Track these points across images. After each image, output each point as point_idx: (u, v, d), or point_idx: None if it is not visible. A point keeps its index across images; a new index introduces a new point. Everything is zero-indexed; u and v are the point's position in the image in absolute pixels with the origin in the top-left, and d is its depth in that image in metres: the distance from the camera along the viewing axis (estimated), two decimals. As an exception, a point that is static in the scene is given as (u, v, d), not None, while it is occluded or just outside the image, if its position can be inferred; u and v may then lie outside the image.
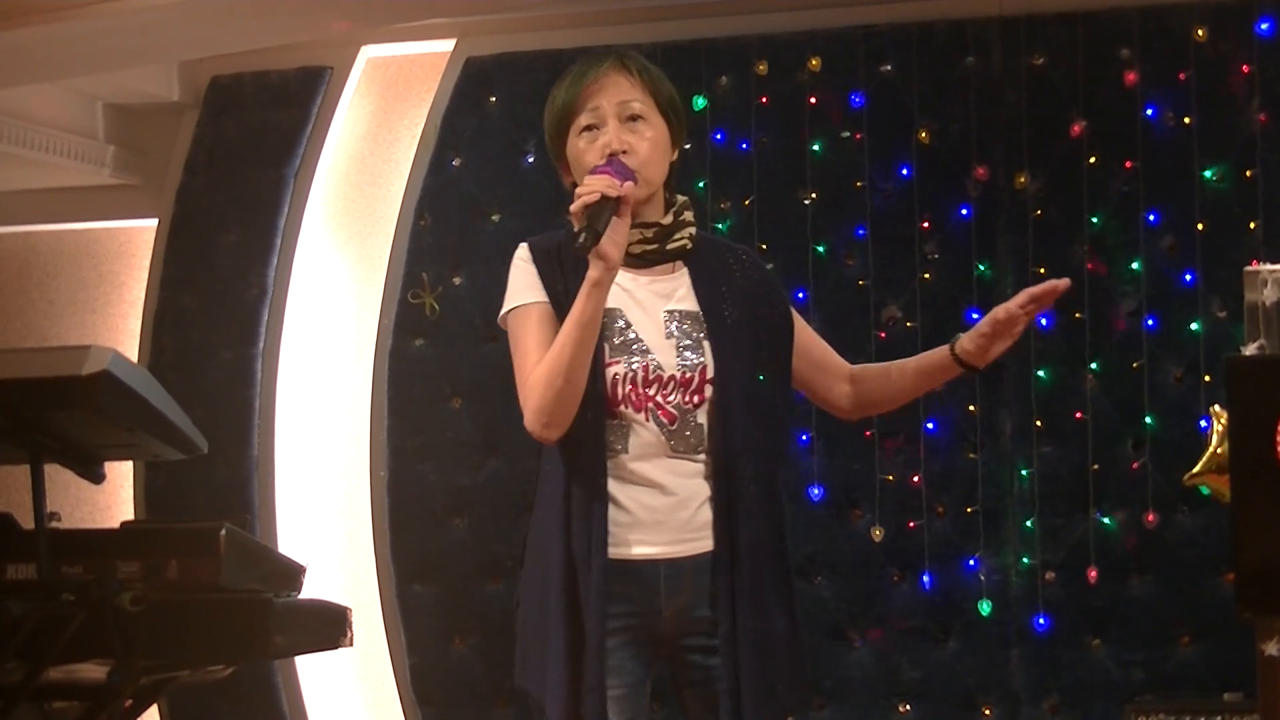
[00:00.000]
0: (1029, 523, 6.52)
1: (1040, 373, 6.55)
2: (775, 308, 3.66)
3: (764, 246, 6.78)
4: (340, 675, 7.28)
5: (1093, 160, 6.58)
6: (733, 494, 3.47)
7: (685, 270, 3.60)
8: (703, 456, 3.50)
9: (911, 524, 6.61)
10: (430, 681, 7.09)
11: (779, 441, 3.69)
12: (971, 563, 6.54)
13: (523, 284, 3.54)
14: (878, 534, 6.64)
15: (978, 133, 6.67)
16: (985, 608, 6.51)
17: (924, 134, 6.71)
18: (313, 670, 7.21)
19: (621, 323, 3.51)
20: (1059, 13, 6.64)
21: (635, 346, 3.50)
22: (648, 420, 3.47)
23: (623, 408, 3.47)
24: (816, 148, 6.81)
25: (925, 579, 6.59)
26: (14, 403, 4.52)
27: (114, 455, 5.09)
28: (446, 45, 7.19)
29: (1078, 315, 6.52)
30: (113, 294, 8.13)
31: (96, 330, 8.11)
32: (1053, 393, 6.56)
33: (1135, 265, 6.52)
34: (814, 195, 6.80)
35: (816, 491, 6.70)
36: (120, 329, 8.02)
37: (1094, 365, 6.53)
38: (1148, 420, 6.46)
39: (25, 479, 4.71)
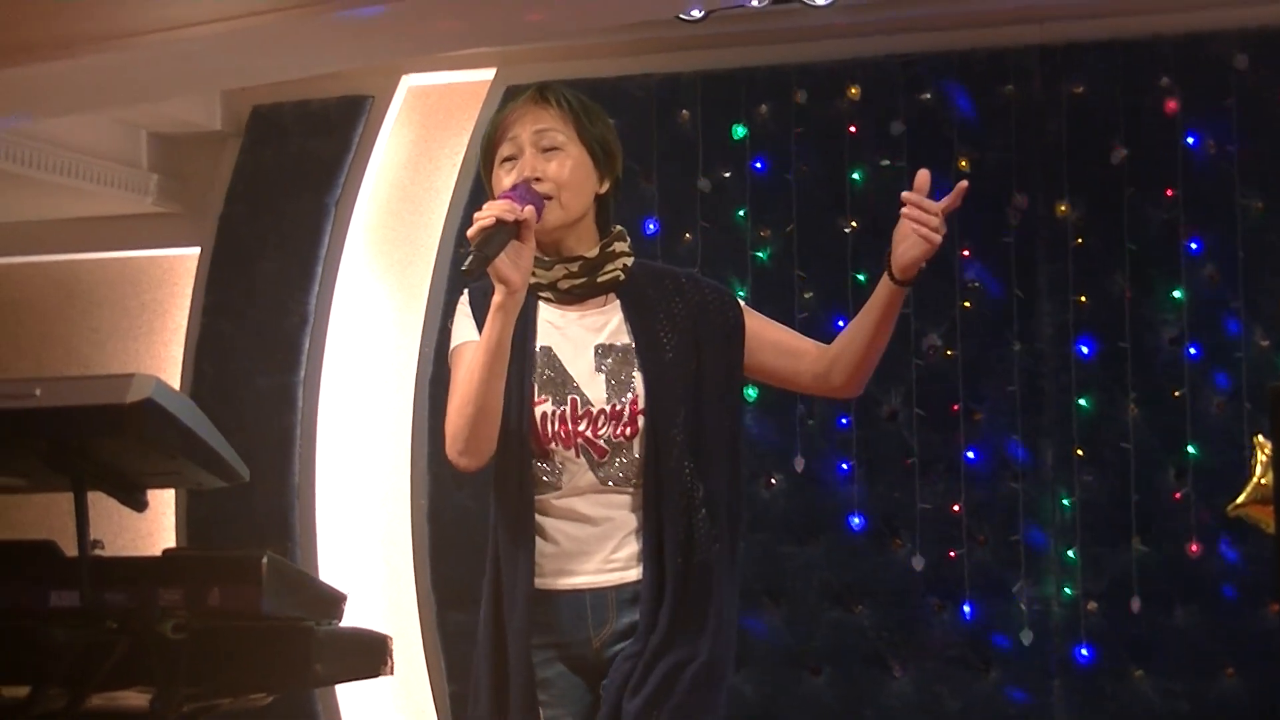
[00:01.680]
0: (1071, 552, 6.49)
1: (1081, 401, 6.53)
2: (722, 325, 3.58)
3: (804, 275, 6.79)
4: (380, 703, 7.28)
5: (1133, 188, 6.56)
6: (662, 525, 3.41)
7: (618, 303, 3.54)
8: (631, 488, 3.46)
9: (952, 553, 6.59)
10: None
11: (725, 470, 3.54)
12: (1013, 592, 6.52)
13: (460, 328, 3.52)
14: (918, 563, 6.62)
15: (1018, 161, 6.66)
16: (1027, 637, 6.48)
17: (963, 161, 6.70)
18: (353, 698, 7.22)
19: (550, 359, 3.49)
20: (1099, 41, 6.64)
21: (564, 383, 3.47)
22: (578, 456, 3.44)
23: (553, 445, 3.44)
24: (856, 176, 6.81)
25: (966, 608, 6.56)
26: (58, 430, 4.54)
27: (157, 483, 5.11)
28: (487, 74, 7.21)
29: (1119, 344, 6.50)
30: (155, 321, 8.16)
31: (139, 357, 8.15)
32: (1094, 421, 6.54)
33: (1177, 293, 6.50)
34: (854, 223, 6.80)
35: (857, 520, 6.68)
36: (162, 356, 8.06)
37: (1135, 394, 6.50)
38: (1190, 449, 6.44)
39: (68, 506, 4.73)
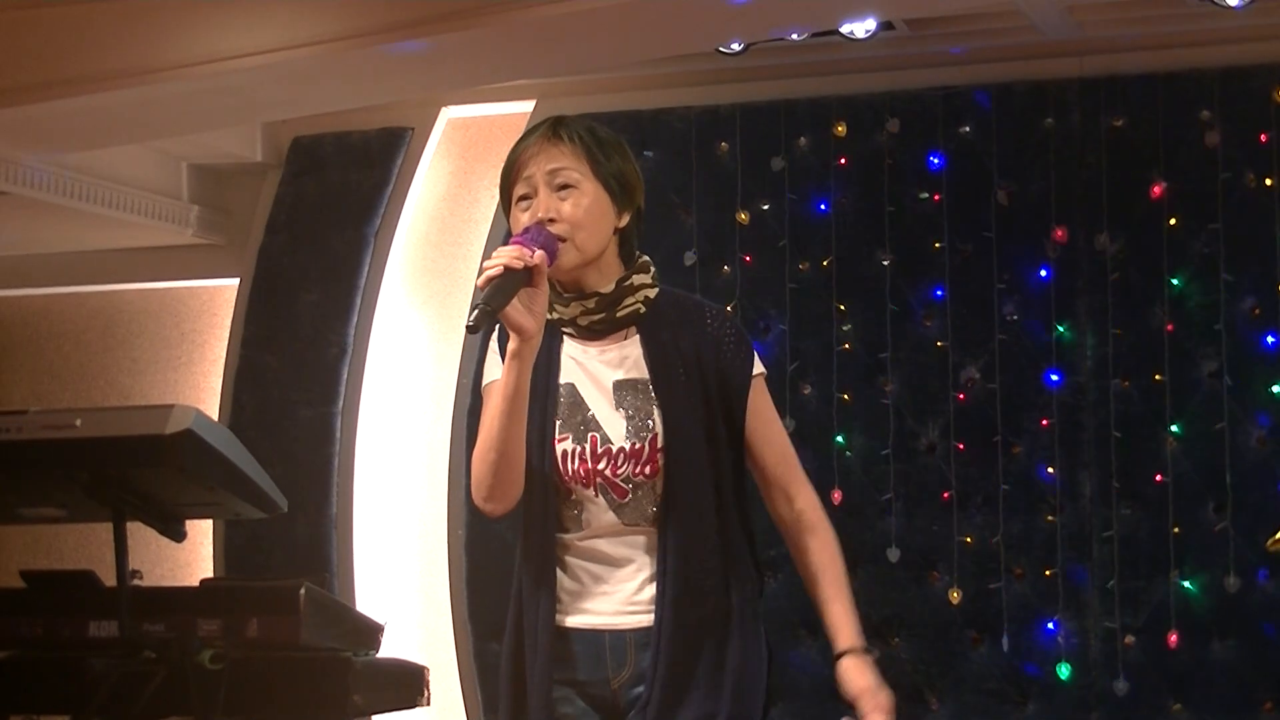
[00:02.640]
0: (1109, 585, 6.46)
1: (1119, 434, 6.51)
2: (735, 374, 3.45)
3: (842, 307, 6.78)
4: (417, 734, 7.28)
5: (1173, 221, 6.55)
6: (685, 568, 3.34)
7: (638, 336, 3.45)
8: (653, 529, 3.38)
9: (991, 586, 6.57)
10: (507, 741, 7.08)
11: (738, 511, 3.48)
12: (1051, 625, 6.50)
13: (490, 366, 3.46)
14: (956, 596, 6.60)
15: (1057, 194, 6.66)
16: (1065, 671, 6.46)
17: (1002, 195, 6.70)
18: (390, 729, 7.21)
19: (572, 397, 3.41)
20: (1139, 74, 6.63)
21: (585, 420, 3.40)
22: (597, 495, 3.38)
23: (573, 483, 3.38)
24: (895, 209, 6.81)
25: (1004, 641, 6.54)
26: (98, 460, 4.56)
27: (195, 513, 5.12)
28: (526, 106, 7.23)
29: (1158, 377, 6.49)
30: (195, 352, 8.20)
31: (179, 388, 8.17)
32: (1132, 455, 6.51)
33: (1216, 327, 6.48)
34: (892, 256, 6.80)
35: (894, 553, 6.67)
36: (202, 387, 8.08)
37: (1174, 427, 6.48)
38: (1229, 483, 6.41)
39: (107, 535, 4.75)
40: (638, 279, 3.46)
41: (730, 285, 6.92)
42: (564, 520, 3.41)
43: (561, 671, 3.38)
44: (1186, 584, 6.42)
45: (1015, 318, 6.67)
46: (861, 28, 6.55)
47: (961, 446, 6.66)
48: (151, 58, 5.89)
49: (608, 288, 3.42)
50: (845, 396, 6.79)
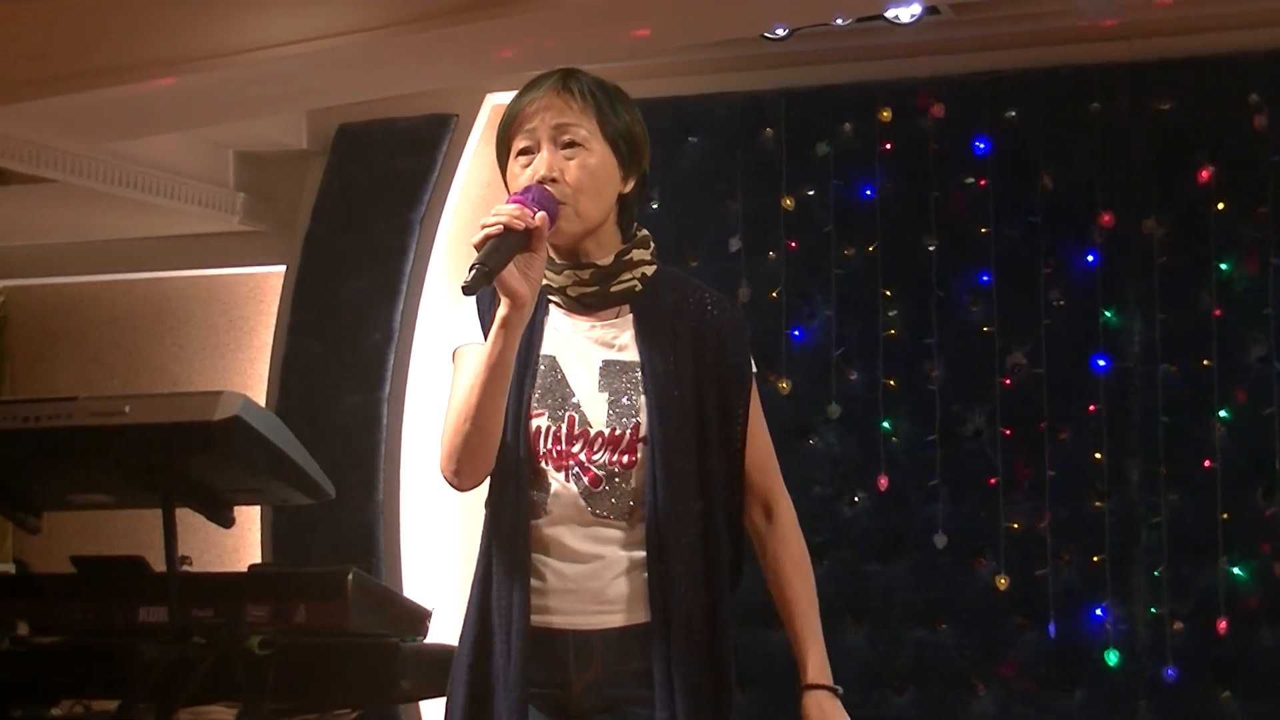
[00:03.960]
0: (1157, 572, 6.44)
1: (1167, 420, 6.48)
2: (732, 368, 3.27)
3: (888, 293, 6.77)
4: None
5: (1221, 205, 6.52)
6: (664, 566, 3.12)
7: (632, 315, 3.25)
8: (624, 523, 3.16)
9: (1037, 572, 6.55)
10: (553, 726, 7.09)
11: (725, 509, 3.26)
12: (1098, 612, 6.47)
13: (465, 324, 3.30)
14: (1002, 582, 6.58)
15: (1103, 179, 6.63)
16: (1112, 658, 6.44)
17: (1048, 180, 6.68)
18: (438, 715, 7.23)
19: (553, 371, 3.20)
20: (1187, 57, 6.59)
21: (563, 398, 3.17)
22: (568, 480, 3.15)
23: (543, 464, 3.16)
24: (940, 194, 6.79)
25: (1051, 628, 6.52)
26: (147, 447, 4.58)
27: (243, 499, 5.14)
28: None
29: (1205, 362, 6.46)
30: (242, 339, 8.23)
31: (226, 375, 8.21)
32: (1180, 440, 6.48)
33: (1265, 311, 6.44)
34: (938, 242, 6.78)
35: (941, 539, 6.65)
36: (249, 373, 8.12)
37: (1222, 413, 6.45)
38: (1278, 468, 6.38)
39: (155, 521, 4.77)
40: (637, 254, 3.27)
41: (775, 271, 6.91)
42: (532, 505, 3.19)
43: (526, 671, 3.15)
44: (1235, 570, 6.39)
45: (1061, 303, 6.65)
46: (906, 12, 6.54)
47: (1008, 432, 6.64)
48: (198, 46, 5.91)
49: (605, 260, 3.23)
50: (891, 382, 6.77)
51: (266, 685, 4.66)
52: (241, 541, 7.77)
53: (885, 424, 6.76)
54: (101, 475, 4.91)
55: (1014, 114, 6.75)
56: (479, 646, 3.18)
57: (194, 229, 7.95)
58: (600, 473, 3.16)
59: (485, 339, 3.13)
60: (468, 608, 3.23)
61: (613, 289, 3.23)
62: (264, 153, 7.82)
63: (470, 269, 2.97)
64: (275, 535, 7.42)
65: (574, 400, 3.18)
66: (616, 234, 3.27)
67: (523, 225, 3.02)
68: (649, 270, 3.27)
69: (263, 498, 5.59)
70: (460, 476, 3.15)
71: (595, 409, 3.17)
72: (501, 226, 3.01)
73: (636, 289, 3.24)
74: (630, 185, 3.26)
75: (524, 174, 3.19)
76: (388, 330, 7.35)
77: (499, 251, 3.00)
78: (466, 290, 2.98)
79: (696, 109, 7.09)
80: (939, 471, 6.67)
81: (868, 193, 6.87)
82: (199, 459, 4.66)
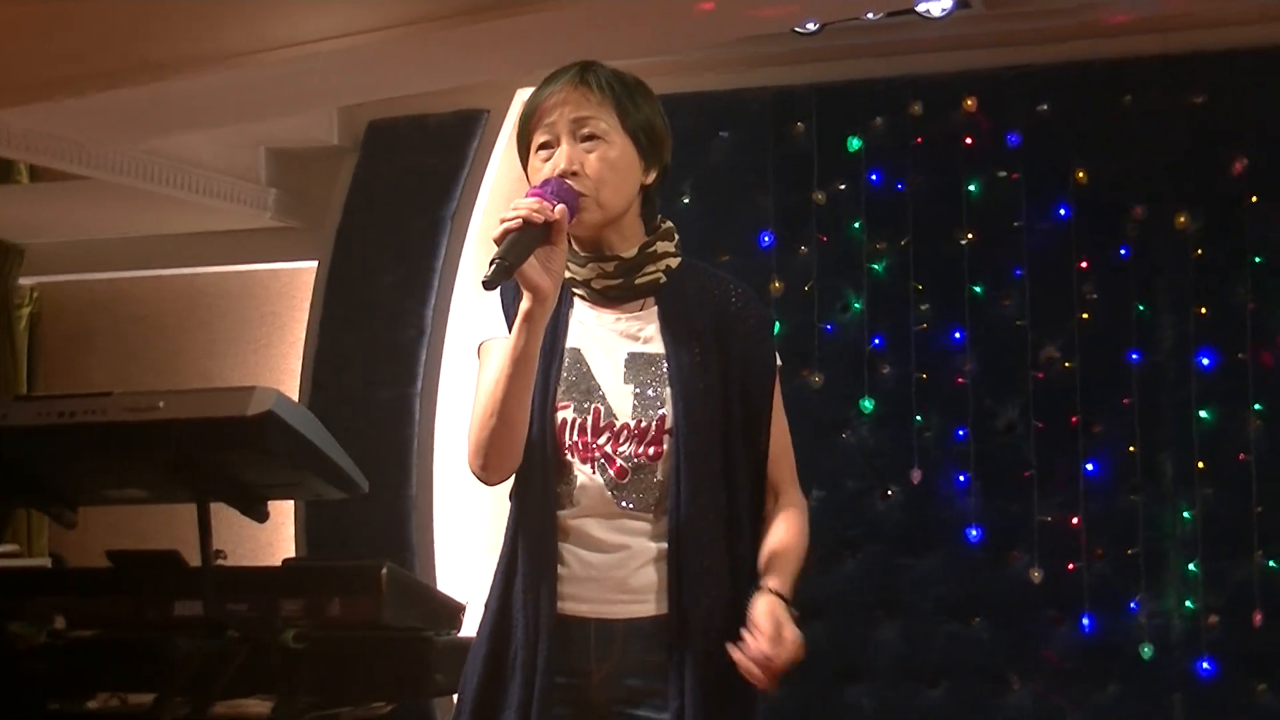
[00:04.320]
0: (1192, 565, 6.42)
1: (1202, 413, 6.47)
2: (757, 360, 3.24)
3: (920, 287, 6.76)
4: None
5: (1255, 199, 6.50)
6: (687, 559, 3.10)
7: (657, 308, 3.22)
8: (650, 515, 3.13)
9: (1071, 566, 6.54)
10: None
11: (749, 503, 3.22)
12: (1133, 606, 6.46)
13: (487, 318, 3.30)
14: (1036, 575, 6.57)
15: (1137, 172, 6.61)
16: (1147, 651, 6.42)
17: (1081, 173, 6.66)
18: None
19: (578, 364, 3.18)
20: (1220, 50, 6.57)
21: (589, 390, 3.16)
22: (594, 472, 3.13)
23: (568, 456, 3.14)
24: (972, 188, 6.78)
25: (1085, 621, 6.51)
26: (181, 442, 4.59)
27: (277, 494, 5.16)
28: (601, 89, 7.21)
29: (1239, 356, 6.44)
30: (274, 334, 8.25)
31: (259, 370, 8.23)
32: (1215, 434, 6.47)
33: (1300, 304, 6.43)
34: (970, 236, 6.77)
35: (974, 533, 6.65)
36: (281, 369, 8.14)
37: (1257, 406, 6.43)
38: (1313, 461, 6.37)
39: (190, 516, 4.79)
40: (661, 246, 3.24)
41: (807, 266, 6.91)
42: (558, 496, 3.16)
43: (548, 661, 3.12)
44: (1271, 563, 6.37)
45: (1094, 296, 6.63)
46: (938, 6, 6.54)
47: (1041, 426, 6.62)
48: (229, 43, 5.93)
49: (629, 252, 3.20)
50: (923, 376, 6.76)
51: (300, 679, 4.68)
52: (275, 536, 7.79)
53: (918, 418, 6.75)
54: (136, 470, 4.92)
55: (1046, 107, 6.74)
56: (497, 636, 3.16)
57: (226, 225, 7.97)
58: (626, 465, 3.14)
59: (509, 333, 3.13)
60: (489, 597, 3.22)
61: (637, 281, 3.21)
62: (296, 149, 7.83)
63: (490, 264, 2.94)
64: (309, 530, 7.44)
65: (599, 393, 3.17)
66: (640, 226, 3.24)
67: (542, 219, 3.00)
68: (673, 262, 3.25)
69: (296, 492, 5.61)
70: (488, 471, 3.13)
71: (621, 401, 3.16)
72: (521, 220, 2.99)
73: (661, 281, 3.22)
74: (652, 176, 3.24)
75: (544, 168, 3.17)
76: (420, 325, 7.36)
77: (519, 245, 2.98)
78: (487, 285, 2.96)
79: (728, 104, 7.09)
80: (972, 465, 6.66)
81: (899, 187, 6.86)
82: (233, 454, 4.68)
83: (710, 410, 3.14)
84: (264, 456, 4.64)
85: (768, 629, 3.02)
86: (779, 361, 3.27)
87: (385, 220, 7.51)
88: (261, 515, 5.04)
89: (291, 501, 7.37)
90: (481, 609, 3.24)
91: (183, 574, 4.90)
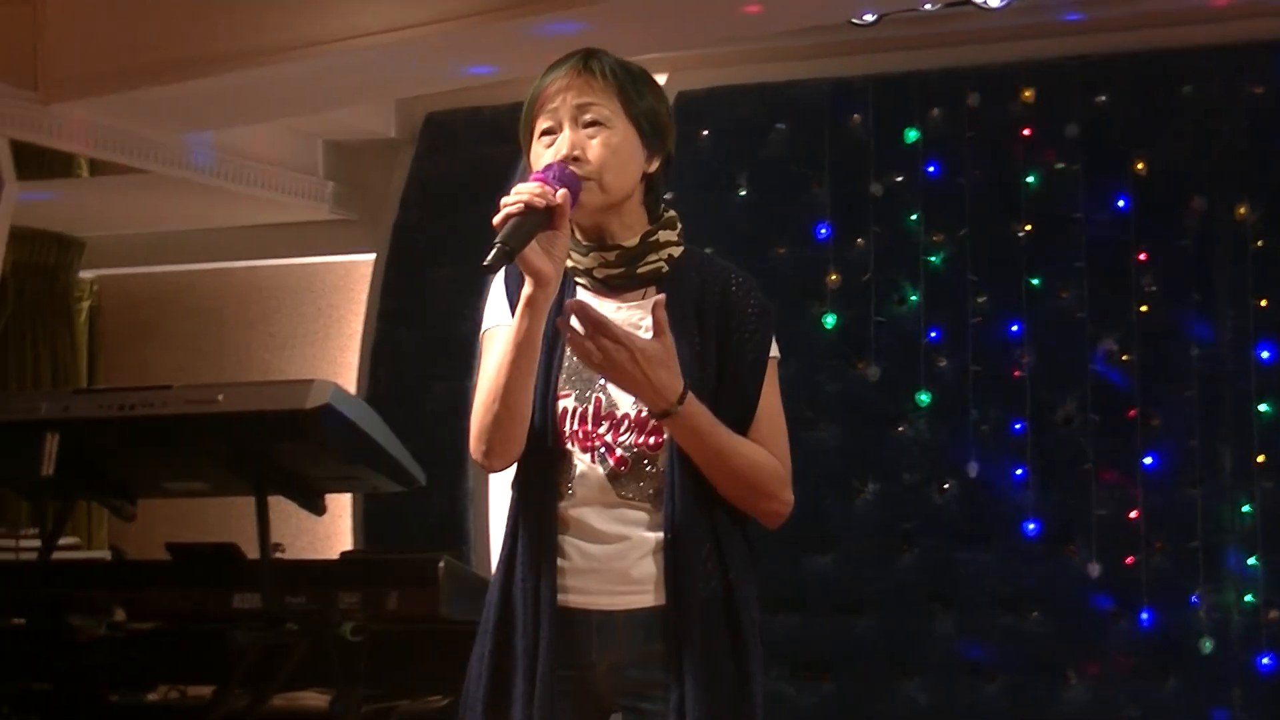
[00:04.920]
0: (1252, 559, 6.38)
1: (1262, 407, 6.42)
2: (751, 349, 3.19)
3: (977, 279, 6.74)
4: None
5: (1316, 189, 6.46)
6: (683, 549, 3.06)
7: (660, 297, 3.11)
8: (649, 505, 3.10)
9: (1129, 560, 6.50)
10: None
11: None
12: (1192, 600, 6.42)
13: (491, 306, 3.24)
14: (1094, 569, 6.54)
15: (1195, 163, 6.57)
16: (1207, 646, 6.38)
17: (1140, 164, 6.62)
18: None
19: None
20: (1279, 39, 6.53)
21: (590, 379, 3.12)
22: (594, 462, 3.10)
23: (569, 445, 3.11)
24: (1030, 179, 6.75)
25: (1144, 616, 6.47)
26: (240, 435, 4.62)
27: (335, 487, 5.18)
28: (659, 79, 7.20)
29: (1301, 348, 6.40)
30: (331, 327, 8.29)
31: (316, 363, 8.26)
32: (1274, 427, 6.42)
33: (1362, 296, 6.39)
34: (1028, 227, 6.74)
35: (1032, 526, 6.62)
36: (338, 361, 8.17)
37: (1318, 399, 6.40)
38: (1374, 455, 6.32)
39: (248, 509, 4.81)
40: (664, 235, 3.19)
41: (864, 258, 6.89)
42: (559, 486, 3.14)
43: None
44: (1331, 557, 6.34)
45: (1153, 289, 6.59)
46: (996, -4, 6.52)
47: (1099, 419, 6.59)
48: (288, 36, 5.95)
49: (631, 241, 3.16)
50: (980, 369, 6.74)
51: (358, 671, 4.69)
52: (332, 529, 7.82)
53: (974, 411, 6.72)
54: (195, 463, 4.95)
55: (1104, 98, 6.70)
56: (501, 629, 3.13)
57: (284, 218, 8.00)
58: (627, 454, 3.11)
59: (499, 322, 3.14)
60: (490, 590, 3.19)
61: (639, 270, 3.17)
62: (353, 141, 7.86)
63: (491, 248, 2.91)
64: (366, 522, 7.46)
65: (600, 382, 3.12)
66: (643, 215, 3.20)
67: (544, 203, 2.96)
68: (675, 251, 3.21)
69: (354, 485, 5.62)
70: (491, 457, 3.11)
71: (622, 391, 3.10)
72: (522, 205, 2.95)
73: (663, 270, 3.18)
74: (655, 165, 3.19)
75: (546, 154, 3.13)
76: (476, 318, 7.32)
77: (521, 230, 2.94)
78: (487, 269, 2.92)
79: (784, 95, 7.07)
80: (1029, 459, 6.63)
81: (957, 178, 6.83)
82: (291, 446, 4.70)
83: (705, 399, 3.09)
84: (322, 449, 4.66)
85: (655, 325, 2.99)
86: (776, 353, 3.22)
87: (442, 213, 7.53)
88: (319, 508, 5.06)
89: (349, 494, 7.39)
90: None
91: (241, 566, 4.92)
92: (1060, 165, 6.72)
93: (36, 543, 5.88)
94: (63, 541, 5.99)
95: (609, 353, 2.98)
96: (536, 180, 3.01)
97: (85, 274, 8.71)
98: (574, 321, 2.98)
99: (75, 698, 5.23)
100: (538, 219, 2.96)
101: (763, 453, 3.14)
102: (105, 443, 4.84)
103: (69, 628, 5.00)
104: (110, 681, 5.30)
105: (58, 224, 8.36)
